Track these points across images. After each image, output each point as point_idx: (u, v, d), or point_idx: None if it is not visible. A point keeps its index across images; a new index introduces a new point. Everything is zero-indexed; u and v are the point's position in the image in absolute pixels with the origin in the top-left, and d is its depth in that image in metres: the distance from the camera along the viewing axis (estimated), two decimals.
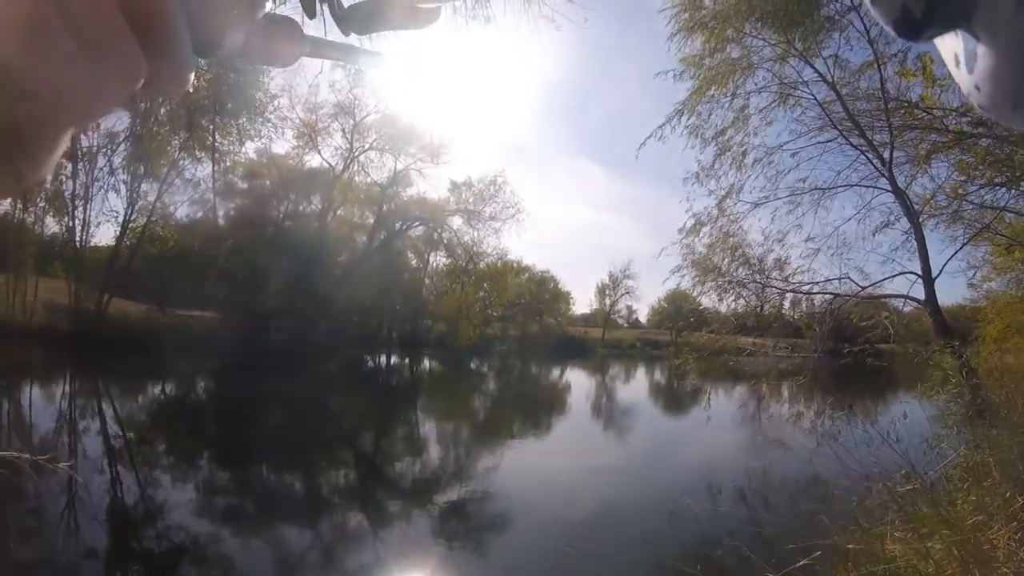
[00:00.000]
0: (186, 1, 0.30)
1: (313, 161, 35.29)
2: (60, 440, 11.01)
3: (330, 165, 35.07)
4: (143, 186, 29.42)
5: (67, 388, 17.33)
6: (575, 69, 79.11)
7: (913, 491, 4.24)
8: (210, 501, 8.52)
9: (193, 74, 0.33)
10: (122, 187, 28.90)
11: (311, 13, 0.43)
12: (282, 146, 37.08)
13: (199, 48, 0.35)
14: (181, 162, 29.48)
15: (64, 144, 0.28)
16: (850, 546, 4.04)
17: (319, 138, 33.82)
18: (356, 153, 34.57)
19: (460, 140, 39.58)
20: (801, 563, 3.88)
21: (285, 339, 29.51)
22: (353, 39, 0.46)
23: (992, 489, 4.07)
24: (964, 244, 9.18)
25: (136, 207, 29.59)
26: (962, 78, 0.39)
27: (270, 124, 29.67)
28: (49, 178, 0.29)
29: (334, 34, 0.43)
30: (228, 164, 32.03)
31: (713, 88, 9.61)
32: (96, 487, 8.41)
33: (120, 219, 29.20)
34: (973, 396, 6.57)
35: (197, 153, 29.43)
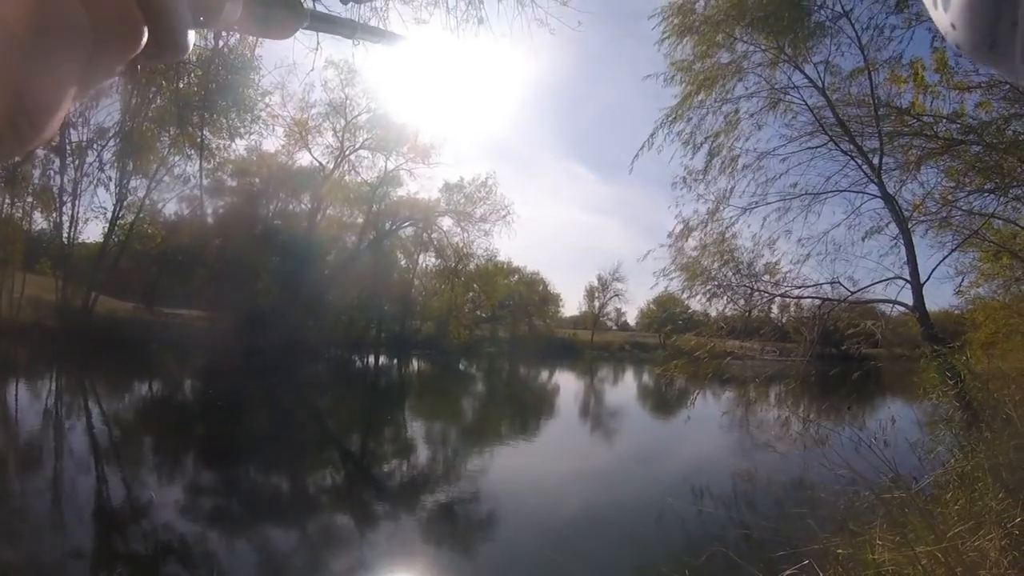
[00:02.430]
0: None
1: (303, 160, 35.28)
2: (46, 437, 10.89)
3: (320, 164, 35.05)
4: (132, 182, 29.22)
5: (53, 386, 17.17)
6: (567, 71, 79.34)
7: (901, 496, 4.24)
8: (196, 500, 8.45)
9: (192, 41, 0.34)
10: (111, 183, 28.68)
11: None
12: (273, 144, 36.92)
13: (198, 15, 0.35)
14: (170, 159, 29.23)
15: (67, 107, 0.29)
16: (839, 551, 4.04)
17: (310, 137, 33.73)
18: (347, 152, 34.52)
19: (451, 141, 39.55)
20: (789, 572, 3.87)
21: (273, 338, 29.33)
22: (353, 13, 0.45)
23: (983, 494, 4.08)
24: (953, 250, 9.24)
25: (124, 203, 29.43)
26: (939, 18, 0.38)
27: (261, 121, 29.51)
28: (37, 167, 0.29)
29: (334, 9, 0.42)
30: (218, 161, 31.85)
31: (703, 93, 9.62)
32: (81, 485, 8.33)
33: (108, 215, 29.01)
34: (962, 401, 6.60)
35: (187, 150, 29.27)
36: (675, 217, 10.53)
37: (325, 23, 0.47)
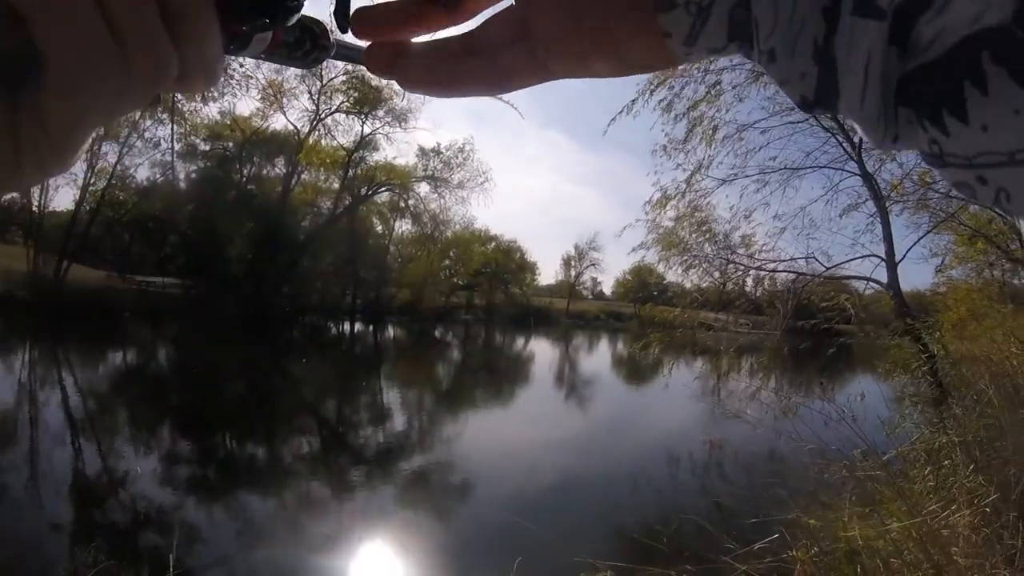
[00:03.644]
0: None
1: (278, 123, 34.51)
2: (19, 409, 10.74)
3: (295, 128, 34.34)
4: (102, 147, 28.42)
5: (26, 356, 16.88)
6: None
7: (871, 469, 4.35)
8: (171, 469, 8.42)
9: (222, 71, 0.33)
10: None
11: (343, 28, 0.42)
12: (247, 107, 36.11)
13: (229, 45, 0.34)
14: (141, 123, 28.45)
15: (89, 139, 0.29)
16: (811, 522, 4.14)
17: (285, 100, 32.97)
18: (323, 116, 33.86)
19: (429, 106, 38.99)
20: (761, 544, 3.97)
21: (247, 305, 29.07)
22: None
23: (953, 470, 4.21)
24: (928, 231, 9.38)
25: (95, 169, 28.66)
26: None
27: (234, 83, 28.77)
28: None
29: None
30: (190, 125, 31.09)
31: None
32: (56, 457, 8.26)
33: (79, 182, 28.27)
34: (933, 378, 6.77)
35: (158, 113, 28.49)
36: (653, 185, 10.56)
37: (352, 52, 0.47)
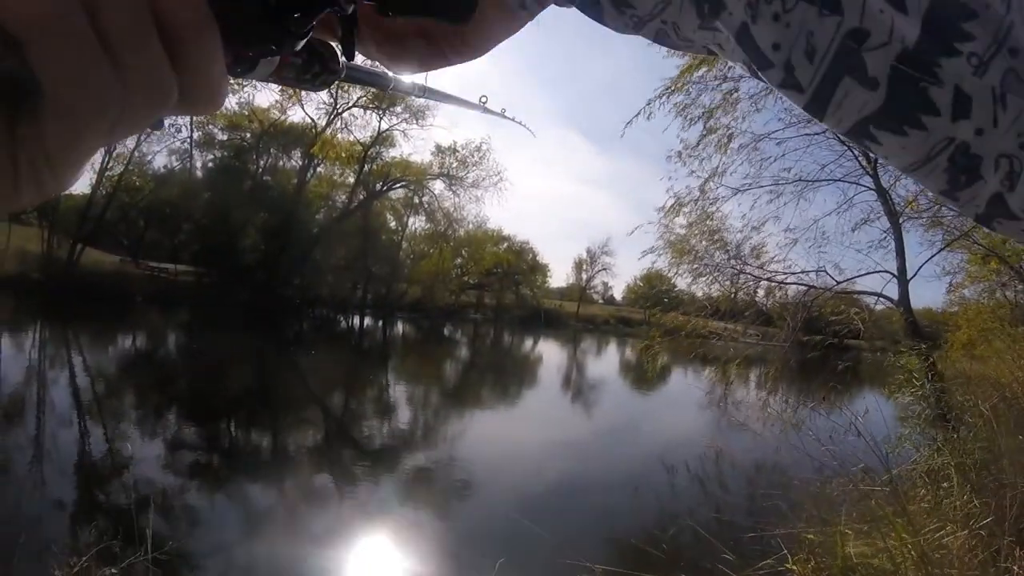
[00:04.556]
0: (224, 20, 0.29)
1: (296, 116, 34.65)
2: (29, 390, 10.86)
3: (313, 121, 34.47)
4: None
5: (37, 338, 17.04)
6: (565, 39, 78.25)
7: (872, 487, 4.34)
8: (177, 455, 8.50)
9: (226, 95, 0.33)
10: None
11: (350, 56, 0.43)
12: (265, 98, 36.27)
13: (235, 68, 0.35)
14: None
15: (88, 160, 0.29)
16: (810, 535, 4.13)
17: (303, 92, 33.09)
18: (340, 110, 33.97)
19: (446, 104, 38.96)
20: (761, 561, 3.97)
21: (258, 295, 29.22)
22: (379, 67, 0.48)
23: (950, 492, 4.19)
24: (941, 249, 9.28)
25: (113, 154, 28.88)
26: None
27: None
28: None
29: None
30: (208, 115, 31.24)
31: (703, 68, 9.52)
32: (63, 438, 8.35)
33: (96, 167, 28.48)
34: (937, 399, 6.73)
35: (165, 126, 28.70)
36: (667, 191, 10.52)
37: (361, 75, 0.48)
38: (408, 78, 0.59)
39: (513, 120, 0.55)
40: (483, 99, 0.83)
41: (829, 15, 0.35)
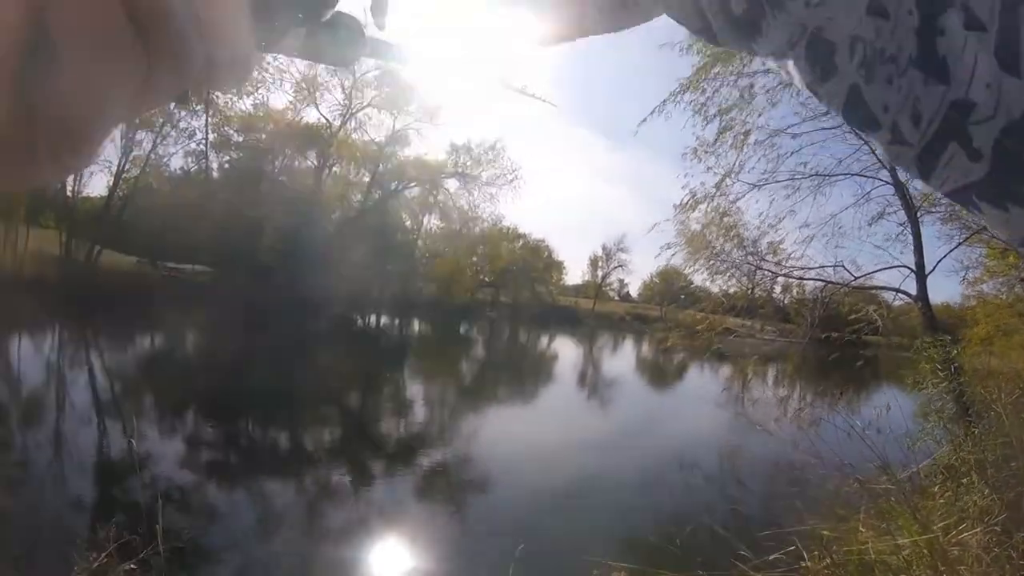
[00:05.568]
0: None
1: (311, 116, 34.89)
2: (48, 391, 11.03)
3: (328, 121, 34.69)
4: (137, 136, 28.98)
5: (56, 339, 17.28)
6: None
7: (888, 485, 4.30)
8: (196, 454, 8.59)
9: (252, 68, 0.32)
10: (116, 135, 28.42)
11: (380, 25, 0.43)
12: (280, 100, 36.56)
13: (260, 42, 0.34)
14: (176, 113, 28.97)
15: (108, 134, 0.28)
16: (825, 532, 4.11)
17: (318, 93, 33.34)
18: (355, 110, 34.14)
19: (460, 102, 39.10)
20: (775, 555, 3.95)
21: (275, 296, 29.42)
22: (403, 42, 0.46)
23: (968, 489, 4.15)
24: (960, 243, 9.14)
25: (130, 157, 29.24)
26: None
27: (268, 76, 29.15)
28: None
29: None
30: (224, 116, 31.57)
31: (719, 65, 9.46)
32: (82, 437, 8.46)
33: (113, 169, 28.86)
34: (957, 394, 6.65)
35: (193, 104, 28.95)
36: (683, 188, 10.46)
37: (384, 51, 0.47)
38: (428, 53, 0.55)
39: (534, 97, 0.54)
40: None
41: (935, 84, 0.36)
